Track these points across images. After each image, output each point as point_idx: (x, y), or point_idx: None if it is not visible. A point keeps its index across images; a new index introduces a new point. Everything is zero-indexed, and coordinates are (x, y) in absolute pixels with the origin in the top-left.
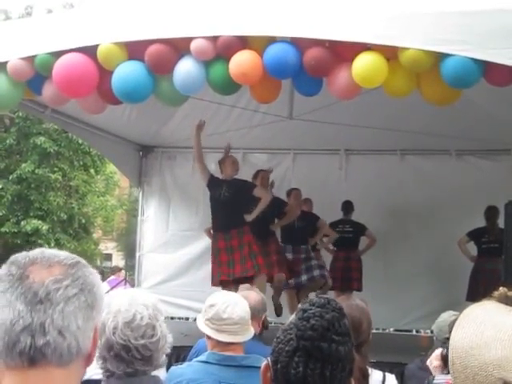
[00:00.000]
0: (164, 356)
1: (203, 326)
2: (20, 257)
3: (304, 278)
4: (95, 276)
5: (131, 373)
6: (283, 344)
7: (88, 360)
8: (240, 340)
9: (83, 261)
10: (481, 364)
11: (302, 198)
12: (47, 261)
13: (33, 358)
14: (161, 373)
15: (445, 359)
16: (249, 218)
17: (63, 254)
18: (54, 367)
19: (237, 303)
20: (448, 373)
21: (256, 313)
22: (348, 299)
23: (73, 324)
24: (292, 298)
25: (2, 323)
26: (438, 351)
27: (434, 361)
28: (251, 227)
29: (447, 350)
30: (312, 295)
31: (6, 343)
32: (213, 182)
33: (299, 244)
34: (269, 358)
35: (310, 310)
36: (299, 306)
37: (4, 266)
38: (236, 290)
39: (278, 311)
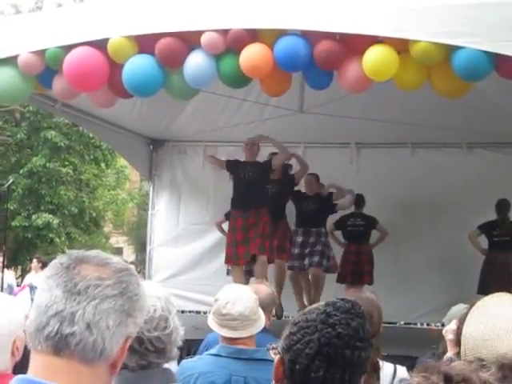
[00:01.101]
0: (176, 349)
1: (210, 320)
2: (76, 252)
3: (306, 261)
4: (141, 287)
5: (144, 365)
6: (302, 345)
7: (114, 367)
8: (241, 335)
9: (135, 271)
10: (493, 356)
11: (317, 182)
12: (99, 260)
13: (57, 344)
14: (172, 366)
15: (458, 336)
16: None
17: (116, 259)
18: (77, 361)
19: (237, 299)
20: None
21: (265, 306)
22: (358, 292)
23: (103, 322)
24: (296, 280)
25: (39, 305)
26: (454, 325)
27: (449, 334)
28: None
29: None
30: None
31: (37, 325)
32: (233, 165)
33: (310, 226)
34: (281, 353)
35: (335, 316)
36: (321, 305)
37: (58, 256)
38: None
39: (279, 312)
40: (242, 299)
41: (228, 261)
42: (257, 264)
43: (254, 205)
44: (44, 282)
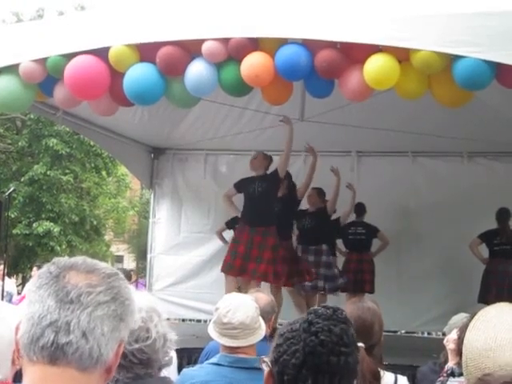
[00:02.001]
0: (168, 355)
1: (210, 329)
2: (62, 259)
3: (307, 283)
4: (130, 291)
5: (134, 377)
6: (288, 355)
7: (108, 372)
8: (241, 344)
9: (122, 275)
10: (495, 366)
11: (319, 197)
12: (86, 267)
13: (53, 354)
14: (170, 371)
15: (459, 345)
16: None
17: (103, 265)
18: (74, 369)
19: (238, 308)
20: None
21: (265, 314)
22: (359, 301)
23: (98, 329)
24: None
25: (30, 317)
26: (455, 334)
27: (450, 343)
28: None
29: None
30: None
31: (30, 336)
32: (242, 185)
33: (309, 244)
34: (269, 363)
35: (318, 323)
36: (305, 314)
37: (45, 266)
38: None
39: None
40: (242, 308)
41: (223, 268)
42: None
43: (262, 223)
44: (34, 293)
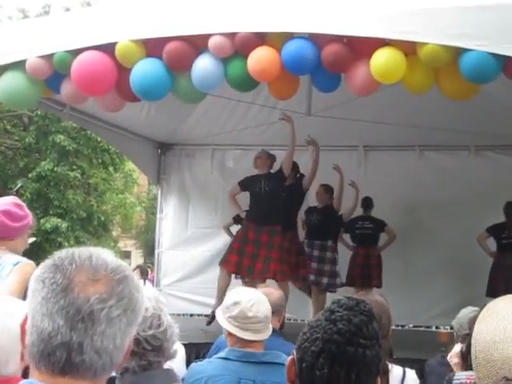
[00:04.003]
0: (174, 347)
1: (226, 324)
2: (66, 261)
3: (312, 277)
4: (139, 291)
5: (145, 365)
6: (309, 343)
7: (116, 367)
8: (263, 338)
9: (130, 272)
10: (504, 358)
11: (326, 194)
12: (94, 272)
13: (64, 369)
14: (174, 364)
15: (464, 357)
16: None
17: (111, 265)
18: (83, 380)
19: (260, 301)
20: (468, 369)
21: (277, 309)
22: (367, 295)
23: (110, 345)
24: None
25: (40, 332)
26: (458, 348)
27: (454, 358)
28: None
29: (466, 347)
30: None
31: (40, 351)
32: (247, 184)
33: (314, 239)
34: (294, 353)
35: (338, 312)
36: (327, 305)
37: (47, 267)
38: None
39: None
40: (263, 301)
41: (229, 267)
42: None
43: (269, 222)
44: (41, 305)
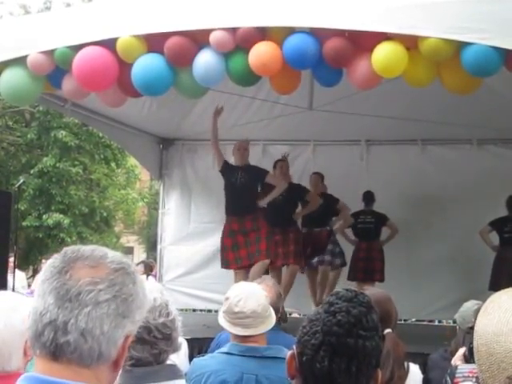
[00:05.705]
0: (180, 338)
1: (221, 319)
2: (70, 250)
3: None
4: (137, 286)
5: (156, 354)
6: (309, 336)
7: (116, 366)
8: (253, 333)
9: (131, 267)
10: (506, 351)
11: (321, 182)
12: (93, 260)
13: (54, 352)
14: (181, 361)
15: (467, 359)
16: (261, 203)
17: (112, 257)
18: (76, 366)
19: (249, 296)
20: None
21: (275, 304)
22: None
23: (97, 329)
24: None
25: (34, 312)
26: (462, 351)
27: (457, 361)
28: (272, 215)
29: (469, 351)
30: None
31: (33, 332)
32: (227, 168)
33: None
34: (294, 347)
35: (337, 304)
36: (325, 297)
37: (53, 256)
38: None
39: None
40: (253, 296)
41: (231, 265)
42: (256, 265)
43: (248, 210)
44: (39, 287)
